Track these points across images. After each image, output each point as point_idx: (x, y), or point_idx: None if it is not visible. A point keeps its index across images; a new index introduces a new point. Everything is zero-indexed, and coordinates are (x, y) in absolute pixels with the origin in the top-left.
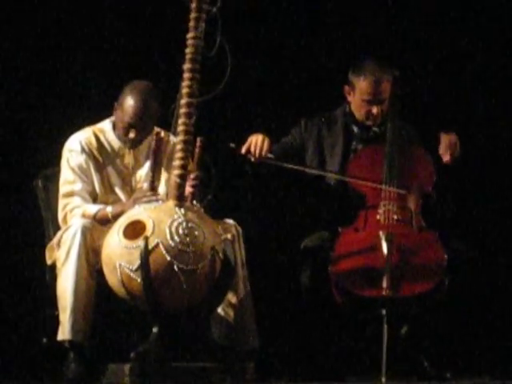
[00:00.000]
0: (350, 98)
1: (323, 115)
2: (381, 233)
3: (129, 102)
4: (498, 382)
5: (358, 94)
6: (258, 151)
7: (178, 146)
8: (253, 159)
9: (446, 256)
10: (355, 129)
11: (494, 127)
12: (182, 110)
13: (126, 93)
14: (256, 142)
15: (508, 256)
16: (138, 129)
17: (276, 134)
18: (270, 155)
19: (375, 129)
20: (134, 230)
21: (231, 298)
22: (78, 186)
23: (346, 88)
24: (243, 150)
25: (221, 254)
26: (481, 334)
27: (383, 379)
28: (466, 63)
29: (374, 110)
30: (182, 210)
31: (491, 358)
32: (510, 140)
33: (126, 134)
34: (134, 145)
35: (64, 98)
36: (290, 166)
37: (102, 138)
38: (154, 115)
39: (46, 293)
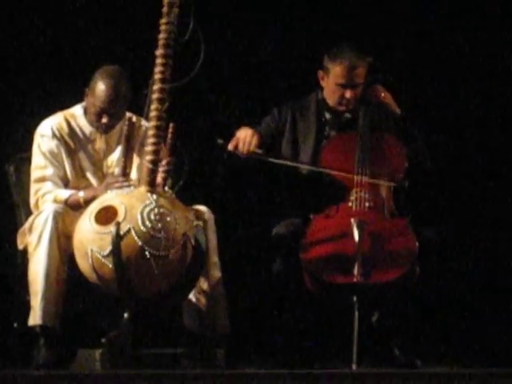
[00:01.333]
0: (323, 83)
1: (295, 102)
2: (352, 220)
3: (100, 87)
4: (468, 370)
5: (332, 78)
6: (246, 147)
7: (150, 132)
8: (241, 155)
9: (417, 243)
10: (327, 115)
11: (462, 112)
12: (155, 96)
13: (97, 78)
14: (244, 138)
15: (478, 243)
16: (111, 113)
17: (247, 119)
18: (258, 150)
19: (347, 115)
20: (106, 215)
21: (203, 284)
22: (50, 171)
23: (320, 73)
24: (230, 147)
25: (192, 240)
26: (451, 322)
27: (354, 366)
28: (442, 52)
29: (348, 94)
30: (154, 196)
31: (461, 345)
32: (480, 125)
33: (99, 119)
34: (106, 130)
35: (35, 83)
36: (276, 160)
37: (73, 123)
38: (126, 99)
39: (17, 278)
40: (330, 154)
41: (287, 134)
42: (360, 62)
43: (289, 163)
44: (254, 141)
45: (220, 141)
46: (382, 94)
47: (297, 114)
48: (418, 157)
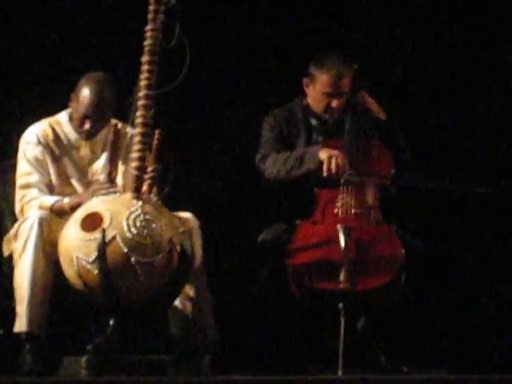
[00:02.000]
0: (308, 91)
1: (282, 108)
2: (338, 226)
3: (84, 92)
4: (455, 376)
5: (319, 86)
6: (340, 173)
7: (136, 138)
8: (333, 179)
9: (403, 250)
10: (313, 121)
11: (450, 116)
12: (141, 102)
13: (82, 84)
14: (336, 162)
15: (464, 250)
16: (93, 120)
17: (234, 125)
18: (351, 172)
19: (332, 120)
20: (92, 222)
21: (189, 290)
22: (35, 177)
23: (306, 80)
24: (325, 173)
25: (178, 247)
26: (437, 328)
27: (340, 372)
28: (427, 57)
29: (334, 103)
30: (140, 203)
31: (448, 351)
32: (468, 130)
33: (82, 124)
34: (89, 136)
35: (21, 90)
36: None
37: (58, 130)
38: (110, 106)
39: (2, 284)
40: None
41: (280, 140)
42: (347, 71)
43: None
44: (347, 164)
45: (311, 166)
46: (367, 100)
47: (285, 120)
48: (402, 163)
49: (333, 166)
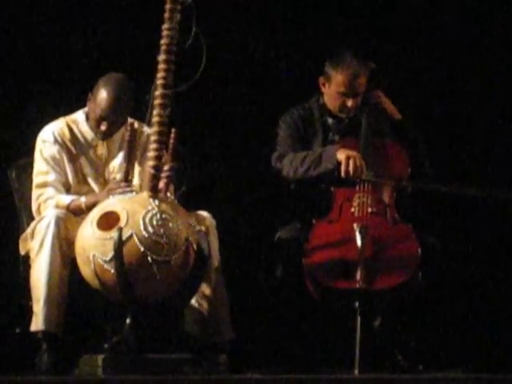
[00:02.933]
0: (324, 90)
1: (298, 108)
2: (355, 225)
3: (102, 94)
4: (470, 375)
5: (334, 86)
6: (358, 174)
7: (153, 138)
8: (351, 180)
9: (419, 249)
10: (330, 120)
11: (464, 116)
12: (157, 101)
13: (100, 85)
14: (354, 163)
15: (480, 250)
16: (110, 121)
17: (249, 124)
18: (369, 173)
19: (348, 120)
20: (108, 220)
21: (205, 289)
22: (52, 176)
23: (321, 79)
24: (343, 174)
25: (194, 246)
26: (453, 327)
27: (356, 371)
28: (442, 57)
29: (349, 103)
30: (156, 202)
31: (463, 350)
32: (482, 129)
33: (98, 125)
34: (105, 137)
35: (38, 88)
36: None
37: (75, 129)
38: (126, 108)
39: (19, 283)
40: None
41: (297, 139)
42: (362, 71)
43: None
44: (364, 166)
45: (330, 166)
46: (383, 99)
47: (301, 119)
48: (419, 162)
49: (351, 167)
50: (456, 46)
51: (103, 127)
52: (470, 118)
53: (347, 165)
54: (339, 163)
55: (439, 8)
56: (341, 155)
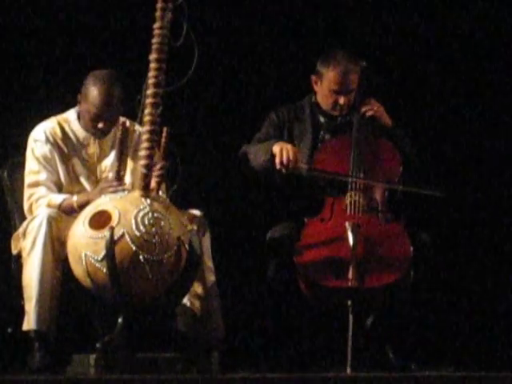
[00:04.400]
0: (316, 88)
1: (290, 106)
2: (347, 223)
3: (93, 92)
4: (462, 373)
5: (326, 83)
6: (291, 164)
7: (144, 136)
8: (284, 171)
9: (411, 248)
10: (322, 118)
11: (456, 118)
12: (149, 100)
13: (89, 84)
14: (288, 154)
15: (473, 247)
16: (106, 118)
17: (241, 123)
18: (302, 165)
19: (341, 118)
20: (100, 220)
21: (197, 288)
22: (43, 175)
23: (314, 78)
24: (278, 166)
25: (186, 245)
26: (445, 326)
27: (348, 369)
28: (434, 56)
29: (341, 100)
30: (148, 201)
31: (456, 349)
32: (475, 131)
33: (95, 125)
34: (102, 135)
35: (29, 87)
36: (323, 174)
37: (66, 128)
38: (120, 102)
39: (11, 282)
40: (325, 157)
41: (285, 137)
42: (353, 68)
43: (331, 176)
44: (298, 156)
45: (263, 158)
46: (375, 107)
47: (292, 117)
48: (411, 169)
49: (284, 158)
50: (451, 48)
51: (100, 125)
52: (463, 122)
53: (280, 156)
54: (274, 155)
55: (433, 8)
56: (276, 148)
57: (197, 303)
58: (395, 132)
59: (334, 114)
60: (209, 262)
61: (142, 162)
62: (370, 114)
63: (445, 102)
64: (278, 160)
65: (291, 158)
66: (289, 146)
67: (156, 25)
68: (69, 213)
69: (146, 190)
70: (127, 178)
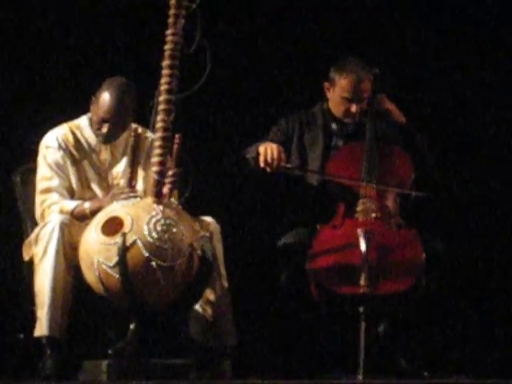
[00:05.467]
0: (329, 95)
1: (302, 113)
2: (359, 230)
3: (104, 96)
4: (475, 381)
5: (339, 91)
6: (275, 163)
7: (157, 143)
8: (269, 170)
9: (424, 254)
10: (334, 125)
11: (470, 124)
12: (161, 107)
13: (103, 88)
14: (272, 153)
15: (485, 255)
16: (112, 124)
17: (254, 129)
18: (287, 165)
19: (352, 125)
20: (112, 226)
21: (209, 295)
22: (55, 182)
23: (326, 84)
24: (262, 164)
25: (199, 251)
26: (458, 333)
27: (360, 377)
28: (447, 60)
29: (353, 108)
30: (160, 207)
31: (468, 356)
32: (488, 134)
33: (100, 128)
34: (106, 139)
35: (41, 93)
36: (307, 172)
37: (78, 134)
38: (129, 111)
39: (23, 289)
40: (338, 164)
41: (295, 143)
42: (366, 76)
43: (316, 176)
44: (282, 155)
45: (248, 156)
46: (388, 104)
47: (304, 123)
48: (424, 167)
49: (268, 156)
50: (458, 50)
51: (105, 129)
52: (474, 121)
53: (264, 155)
54: (259, 155)
55: (440, 12)
56: (261, 147)
57: (209, 310)
58: (409, 128)
59: (346, 120)
60: (221, 269)
61: (155, 168)
62: (385, 105)
63: (457, 110)
64: (261, 158)
65: (275, 156)
66: (273, 145)
67: (169, 31)
68: (81, 219)
69: (158, 196)
70: (139, 185)
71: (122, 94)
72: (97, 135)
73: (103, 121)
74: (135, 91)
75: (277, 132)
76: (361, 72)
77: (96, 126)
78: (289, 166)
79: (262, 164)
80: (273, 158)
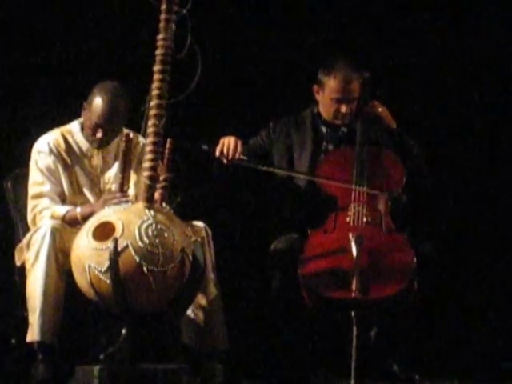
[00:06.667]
0: (318, 98)
1: (291, 117)
2: (350, 235)
3: (97, 101)
4: None
5: (328, 92)
6: (231, 153)
7: (148, 148)
8: (225, 161)
9: (415, 258)
10: (324, 129)
11: (458, 124)
12: (152, 112)
13: (95, 93)
14: (228, 144)
15: (476, 258)
16: (106, 129)
17: (245, 135)
18: (242, 157)
19: (343, 129)
20: (104, 231)
21: (201, 299)
22: (47, 187)
23: (315, 87)
24: (217, 153)
25: (190, 256)
26: (450, 337)
27: (352, 381)
28: (436, 64)
29: (343, 108)
30: (152, 212)
31: (460, 360)
32: (477, 137)
33: (94, 133)
34: (101, 145)
35: (32, 98)
36: (262, 167)
37: (70, 140)
38: (122, 115)
39: (15, 294)
40: (328, 167)
41: (282, 147)
42: (355, 76)
43: (274, 170)
44: (239, 148)
45: (205, 147)
46: (379, 109)
47: (292, 127)
48: (416, 171)
49: (224, 148)
50: (451, 52)
51: (99, 134)
52: (467, 125)
53: (221, 145)
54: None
55: (434, 13)
56: (221, 139)
57: (200, 315)
58: (399, 134)
59: (336, 123)
60: (212, 274)
61: (146, 173)
62: (377, 111)
63: (448, 113)
64: (218, 148)
65: (231, 147)
66: (232, 138)
67: (160, 36)
68: (72, 224)
69: (149, 201)
70: (131, 190)
71: (114, 98)
72: (91, 141)
73: (97, 126)
74: (128, 94)
75: (263, 135)
76: (349, 72)
77: (89, 131)
78: (245, 158)
79: (217, 153)
80: (228, 149)
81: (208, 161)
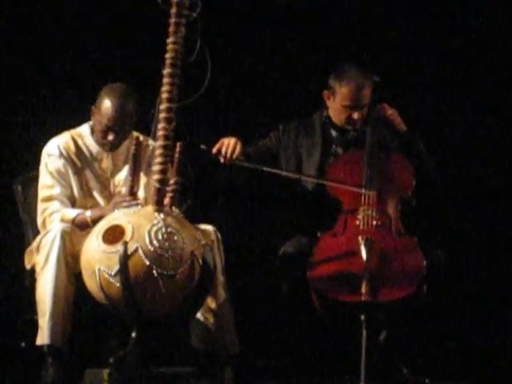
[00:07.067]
0: (328, 103)
1: (301, 120)
2: (360, 238)
3: (106, 104)
4: None
5: (339, 99)
6: (229, 153)
7: (158, 151)
8: (223, 160)
9: (424, 262)
10: (333, 132)
11: (472, 132)
12: (162, 115)
13: (104, 95)
14: (227, 144)
15: (486, 262)
16: (117, 131)
17: (254, 138)
18: (241, 157)
19: (353, 132)
20: (113, 234)
21: (210, 303)
22: (57, 190)
23: (326, 93)
24: (214, 151)
25: (200, 260)
26: (459, 340)
27: None
28: (446, 69)
29: (355, 115)
30: (162, 215)
31: (470, 363)
32: (489, 142)
33: (105, 136)
34: (112, 147)
35: (43, 101)
36: (262, 167)
37: (80, 143)
38: (132, 117)
39: (24, 297)
40: (338, 171)
41: (291, 150)
42: (366, 82)
43: (273, 170)
44: (237, 148)
45: (203, 146)
46: (389, 112)
47: (301, 130)
48: (425, 174)
49: (223, 148)
50: (459, 55)
51: (110, 137)
52: (476, 128)
53: (220, 145)
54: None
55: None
56: (221, 139)
57: (210, 318)
58: (410, 136)
59: (347, 128)
60: (222, 277)
61: (156, 176)
62: (387, 113)
63: (458, 118)
64: (216, 147)
65: (230, 147)
66: (232, 139)
67: (170, 40)
68: (82, 227)
69: (159, 204)
70: (140, 193)
71: (123, 99)
72: (101, 144)
73: (107, 128)
74: (136, 96)
75: (271, 137)
76: (361, 79)
77: (100, 134)
78: (242, 158)
79: (213, 151)
80: (227, 149)
81: (205, 160)
